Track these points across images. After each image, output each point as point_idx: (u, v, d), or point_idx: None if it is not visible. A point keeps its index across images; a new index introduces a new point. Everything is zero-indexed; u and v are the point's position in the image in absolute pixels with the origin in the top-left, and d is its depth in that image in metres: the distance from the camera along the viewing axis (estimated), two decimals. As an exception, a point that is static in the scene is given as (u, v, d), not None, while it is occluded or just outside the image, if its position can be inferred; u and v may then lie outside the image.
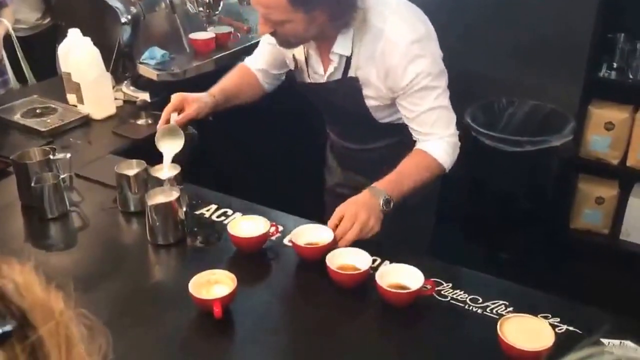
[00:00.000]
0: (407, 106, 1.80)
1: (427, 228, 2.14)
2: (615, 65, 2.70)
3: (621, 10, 2.63)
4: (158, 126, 1.88)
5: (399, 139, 1.90)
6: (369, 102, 1.85)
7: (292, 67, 2.00)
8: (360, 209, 1.67)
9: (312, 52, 1.88)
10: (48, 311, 0.49)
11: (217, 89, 2.01)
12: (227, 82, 2.06)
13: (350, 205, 1.69)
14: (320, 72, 1.90)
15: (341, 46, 1.78)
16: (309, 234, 1.67)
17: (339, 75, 1.85)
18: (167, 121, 1.88)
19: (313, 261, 1.61)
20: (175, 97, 1.90)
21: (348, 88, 1.84)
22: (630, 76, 2.67)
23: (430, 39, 1.78)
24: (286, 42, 1.79)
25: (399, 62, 1.72)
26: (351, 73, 1.82)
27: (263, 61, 2.07)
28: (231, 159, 2.67)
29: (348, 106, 1.90)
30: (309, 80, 1.95)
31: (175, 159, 1.84)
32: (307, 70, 1.93)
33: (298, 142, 2.14)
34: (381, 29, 1.73)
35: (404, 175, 1.79)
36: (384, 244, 1.70)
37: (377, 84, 1.79)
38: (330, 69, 1.84)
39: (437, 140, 1.82)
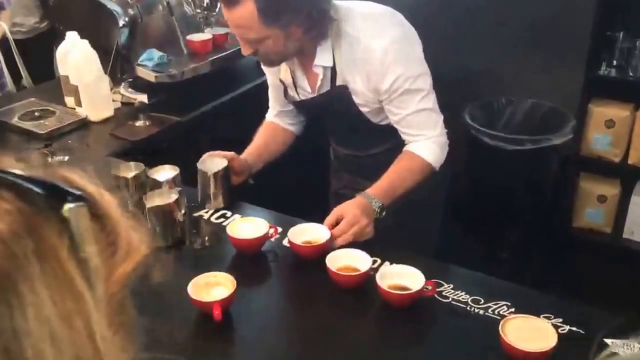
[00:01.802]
0: (392, 109, 1.82)
1: (434, 223, 2.15)
2: (615, 63, 2.69)
3: (620, 8, 2.62)
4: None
5: (398, 142, 1.90)
6: (362, 108, 1.86)
7: (282, 92, 2.01)
8: (362, 214, 1.70)
9: (298, 71, 1.90)
10: (103, 195, 0.59)
11: (246, 153, 2.02)
12: (253, 144, 2.07)
13: (352, 208, 1.71)
14: (307, 89, 1.91)
15: (322, 58, 1.80)
16: (306, 233, 1.68)
17: (328, 86, 1.86)
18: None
19: (310, 259, 1.62)
20: (226, 153, 1.93)
21: (339, 97, 1.85)
22: (631, 74, 2.66)
23: (408, 42, 1.78)
24: (269, 60, 1.83)
25: (377, 67, 1.73)
26: (339, 82, 1.83)
27: (276, 104, 2.09)
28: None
29: (343, 115, 1.91)
30: (299, 98, 1.96)
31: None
32: (296, 90, 1.94)
33: (299, 143, 2.13)
34: (357, 37, 1.74)
35: (395, 181, 1.82)
36: (391, 239, 1.70)
37: (363, 89, 1.80)
38: (318, 82, 1.85)
39: (424, 141, 1.84)
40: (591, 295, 2.57)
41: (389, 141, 1.94)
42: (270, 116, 2.13)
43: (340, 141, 2.12)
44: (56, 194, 0.53)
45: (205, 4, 2.76)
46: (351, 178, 2.14)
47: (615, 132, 2.71)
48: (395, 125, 1.86)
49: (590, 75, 2.67)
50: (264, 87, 2.10)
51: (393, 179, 1.83)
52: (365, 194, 1.77)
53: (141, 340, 0.61)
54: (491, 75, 3.20)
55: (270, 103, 2.12)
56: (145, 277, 1.67)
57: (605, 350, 0.57)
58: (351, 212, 1.70)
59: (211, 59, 2.71)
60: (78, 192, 0.55)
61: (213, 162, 1.88)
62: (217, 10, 2.75)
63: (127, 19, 2.57)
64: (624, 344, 1.29)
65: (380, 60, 1.72)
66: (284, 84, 1.97)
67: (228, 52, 2.78)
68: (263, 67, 2.02)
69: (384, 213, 1.76)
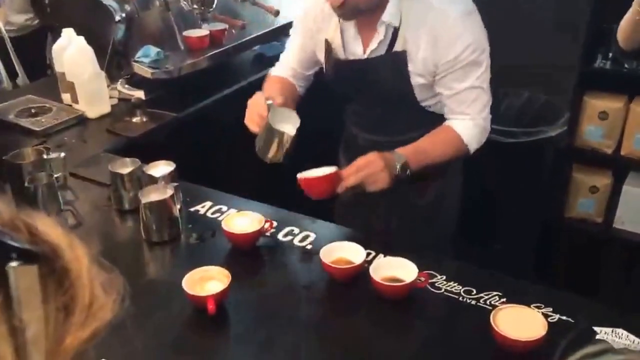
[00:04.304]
0: (448, 83, 1.77)
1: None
2: (610, 55, 2.68)
3: (616, 1, 2.62)
4: (263, 113, 1.75)
5: (432, 129, 1.85)
6: (414, 80, 1.79)
7: (321, 57, 1.94)
8: (378, 158, 1.67)
9: (351, 30, 1.82)
10: (73, 248, 0.54)
11: (276, 93, 1.83)
12: (281, 88, 1.95)
13: (370, 154, 1.69)
14: (358, 52, 1.84)
15: (391, 14, 1.73)
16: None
17: (383, 50, 1.79)
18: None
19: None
20: (259, 95, 1.82)
21: (392, 64, 1.78)
22: (626, 66, 2.66)
23: (477, 14, 1.76)
24: (355, 10, 1.71)
25: (449, 33, 1.70)
26: (397, 47, 1.76)
27: (295, 61, 2.03)
28: (226, 156, 2.68)
29: (389, 86, 1.83)
30: (344, 57, 1.87)
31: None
32: (344, 51, 1.86)
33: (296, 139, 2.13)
34: (430, 2, 1.71)
35: (427, 149, 1.79)
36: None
37: (425, 56, 1.74)
38: (374, 44, 1.78)
39: (468, 120, 1.81)
40: (582, 283, 2.59)
41: (424, 128, 1.86)
42: (280, 71, 2.05)
43: (369, 123, 1.98)
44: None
45: (202, -1, 2.76)
46: None
47: (608, 124, 2.72)
48: (444, 101, 1.81)
49: (585, 68, 2.68)
50: (261, 83, 2.09)
51: (423, 144, 1.79)
52: (394, 151, 1.72)
53: None
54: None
55: (286, 63, 2.04)
56: (140, 273, 1.67)
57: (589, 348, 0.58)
58: (367, 157, 1.67)
59: (208, 54, 2.71)
60: (28, 248, 0.49)
61: (281, 115, 1.73)
62: (213, 5, 2.76)
63: (123, 14, 2.57)
64: (613, 331, 1.30)
65: (453, 27, 1.69)
66: (329, 44, 1.88)
67: (225, 47, 2.79)
68: (296, 25, 1.97)
69: (407, 172, 1.71)
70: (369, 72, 1.85)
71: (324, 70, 1.98)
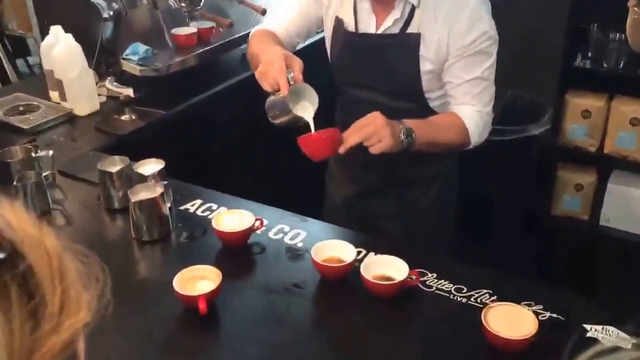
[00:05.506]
0: (457, 72, 1.75)
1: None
2: (589, 54, 2.71)
3: (593, 2, 2.65)
4: (283, 91, 1.61)
5: None
6: (423, 66, 1.76)
7: (327, 33, 1.90)
8: (379, 116, 1.63)
9: (364, 7, 1.79)
10: (39, 244, 0.47)
11: (292, 59, 1.67)
12: (273, 41, 1.85)
13: (370, 113, 1.65)
14: (370, 30, 1.80)
15: None
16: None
17: (397, 29, 1.76)
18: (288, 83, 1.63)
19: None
20: (279, 58, 1.64)
21: (404, 45, 1.76)
22: (605, 65, 2.68)
23: (490, 7, 1.76)
24: None
25: (467, 19, 1.70)
26: (412, 28, 1.74)
27: (290, 24, 1.93)
28: (215, 154, 2.67)
29: (396, 69, 1.79)
30: (352, 30, 1.82)
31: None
32: (356, 27, 1.82)
33: (285, 135, 2.12)
34: None
35: (432, 125, 1.76)
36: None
37: (439, 40, 1.72)
38: (389, 21, 1.75)
39: (474, 111, 1.79)
40: (569, 281, 2.61)
41: None
42: (271, 27, 1.93)
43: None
44: None
45: (189, -3, 2.75)
46: (357, 178, 2.01)
47: (591, 123, 2.75)
48: (450, 91, 1.79)
49: (566, 67, 2.71)
50: (248, 81, 2.07)
51: (428, 120, 1.76)
52: (399, 121, 1.67)
53: None
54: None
55: (278, 22, 1.94)
56: (131, 272, 1.66)
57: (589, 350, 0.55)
58: (369, 116, 1.63)
59: (196, 52, 2.70)
60: None
61: (299, 89, 1.65)
62: (201, 4, 2.75)
63: (111, 12, 2.55)
64: (603, 329, 1.31)
65: (472, 12, 1.69)
66: (340, 20, 1.84)
67: (213, 45, 2.78)
68: None
69: (412, 137, 1.66)
70: (378, 50, 1.81)
71: (328, 51, 1.94)
